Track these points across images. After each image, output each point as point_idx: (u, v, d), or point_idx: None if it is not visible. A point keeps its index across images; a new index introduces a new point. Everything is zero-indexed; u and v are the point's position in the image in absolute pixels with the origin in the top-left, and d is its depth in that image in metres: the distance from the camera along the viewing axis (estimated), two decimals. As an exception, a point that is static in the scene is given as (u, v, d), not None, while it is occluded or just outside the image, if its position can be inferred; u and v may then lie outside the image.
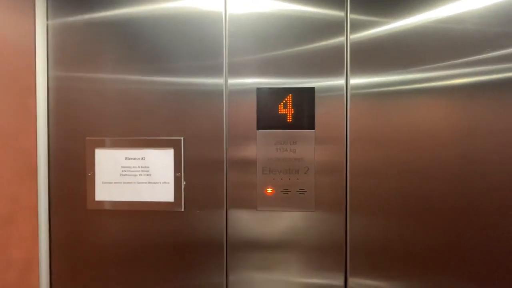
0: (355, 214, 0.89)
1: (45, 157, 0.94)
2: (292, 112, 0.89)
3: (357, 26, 0.87)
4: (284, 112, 0.89)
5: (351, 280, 0.89)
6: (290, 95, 0.88)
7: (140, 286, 0.94)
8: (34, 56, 0.93)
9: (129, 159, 0.92)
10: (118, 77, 0.92)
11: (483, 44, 0.84)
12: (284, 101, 0.89)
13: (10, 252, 0.86)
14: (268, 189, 0.90)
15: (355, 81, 0.87)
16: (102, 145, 0.93)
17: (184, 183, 0.91)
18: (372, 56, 0.87)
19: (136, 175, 0.92)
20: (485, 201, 0.85)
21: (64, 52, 0.94)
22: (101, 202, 0.93)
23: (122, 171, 0.93)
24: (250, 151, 0.90)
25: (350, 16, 0.87)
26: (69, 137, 0.94)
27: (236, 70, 0.90)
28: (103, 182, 0.93)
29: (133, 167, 0.92)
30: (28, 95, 0.91)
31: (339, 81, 0.88)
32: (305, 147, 0.89)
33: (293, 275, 0.91)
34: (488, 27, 0.84)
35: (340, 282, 0.90)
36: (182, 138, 0.91)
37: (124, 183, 0.93)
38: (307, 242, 0.91)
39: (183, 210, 0.92)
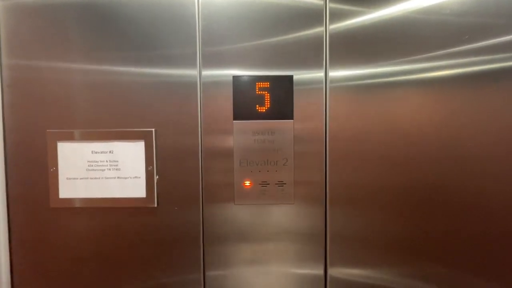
0: (334, 205, 0.88)
1: (1, 152, 0.86)
2: (270, 101, 0.85)
3: (336, 16, 0.84)
4: (261, 101, 0.85)
5: (331, 270, 0.89)
6: (268, 83, 0.85)
7: (112, 286, 0.89)
8: (-16, 42, 0.84)
9: (95, 152, 0.86)
10: (82, 65, 0.85)
11: (463, 34, 0.83)
12: (261, 90, 0.85)
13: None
14: (245, 182, 0.87)
15: (334, 73, 0.85)
16: (65, 138, 0.86)
17: (157, 177, 0.87)
18: (352, 47, 0.84)
19: (104, 170, 0.86)
20: (466, 191, 0.86)
21: (20, 37, 0.85)
22: (66, 200, 0.87)
23: (88, 165, 0.86)
24: (226, 143, 0.87)
25: (329, 5, 0.84)
26: (27, 130, 0.86)
27: (210, 60, 0.85)
28: (67, 178, 0.86)
29: (100, 161, 0.86)
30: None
31: (318, 73, 0.85)
32: (283, 137, 0.86)
33: (272, 267, 0.90)
34: (469, 17, 0.83)
35: (320, 271, 0.89)
36: (153, 129, 0.86)
37: (91, 178, 0.86)
38: (286, 234, 0.89)
39: (156, 206, 0.87)
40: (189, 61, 0.85)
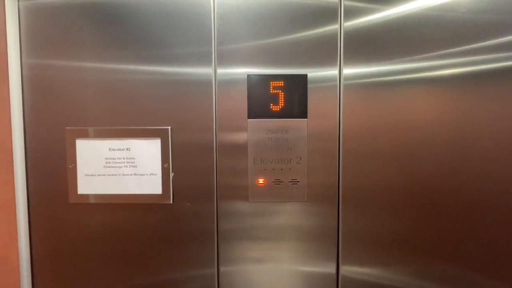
0: (347, 204, 0.88)
1: (21, 149, 0.89)
2: (284, 100, 0.86)
3: (351, 13, 0.84)
4: (276, 100, 0.86)
5: (343, 268, 0.90)
6: (282, 82, 0.85)
7: (128, 281, 0.92)
8: (5, 41, 0.85)
9: (113, 150, 0.88)
10: (100, 64, 0.87)
11: (478, 32, 0.83)
12: (276, 89, 0.86)
13: (-13, 250, 0.82)
14: (259, 180, 0.88)
15: (348, 70, 0.85)
16: (83, 135, 0.88)
17: (173, 174, 0.88)
18: (366, 44, 0.84)
19: (121, 167, 0.88)
20: (479, 191, 0.86)
21: (39, 36, 0.87)
22: (84, 196, 0.89)
23: (106, 162, 0.88)
24: (241, 141, 0.88)
25: (345, 2, 0.84)
26: (47, 127, 0.88)
27: (225, 58, 0.86)
28: (85, 175, 0.88)
29: (118, 158, 0.88)
30: (1, 83, 0.85)
31: (332, 71, 0.85)
32: (297, 136, 0.87)
33: (285, 264, 0.91)
34: (483, 14, 0.82)
35: (332, 270, 0.90)
36: (169, 127, 0.87)
37: (108, 175, 0.88)
38: (299, 232, 0.90)
39: (171, 202, 0.89)
40: (204, 60, 0.86)
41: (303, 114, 0.86)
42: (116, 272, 0.92)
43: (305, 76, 0.85)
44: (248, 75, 0.86)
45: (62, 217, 0.90)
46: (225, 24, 0.85)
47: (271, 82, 0.85)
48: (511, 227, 0.86)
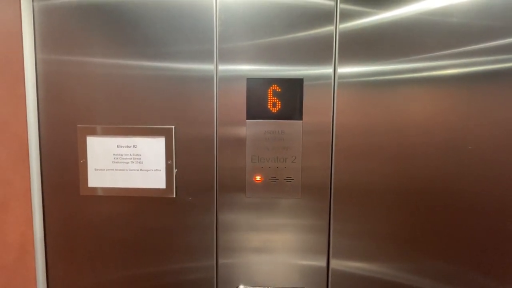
0: (338, 200, 0.93)
1: (36, 144, 0.95)
2: (281, 102, 0.91)
3: (346, 16, 0.88)
4: (273, 102, 0.91)
5: (333, 262, 0.95)
6: (280, 86, 0.90)
7: (132, 268, 0.98)
8: (21, 40, 0.90)
9: (120, 146, 0.94)
10: (108, 61, 0.91)
11: (468, 37, 0.86)
12: (273, 92, 0.90)
13: (6, 237, 0.89)
14: (256, 177, 0.94)
15: (342, 70, 0.89)
16: (93, 132, 0.94)
17: (176, 170, 0.94)
18: (360, 46, 0.88)
19: (128, 163, 0.94)
20: (469, 189, 0.90)
21: (52, 35, 0.91)
22: (94, 189, 0.95)
23: (114, 158, 0.94)
24: (239, 140, 0.93)
25: (340, 6, 0.88)
26: (59, 124, 0.94)
27: (226, 56, 0.90)
28: (95, 169, 0.95)
29: (125, 154, 0.94)
30: (17, 81, 0.90)
31: (327, 70, 0.89)
32: (293, 137, 0.92)
33: (279, 257, 0.97)
34: (472, 20, 0.86)
35: (323, 263, 0.96)
36: (173, 127, 0.92)
37: (116, 170, 0.94)
38: (292, 226, 0.95)
39: (174, 196, 0.95)
40: (206, 57, 0.90)
41: (298, 116, 0.91)
42: (121, 259, 0.98)
43: (301, 80, 0.90)
44: (247, 79, 0.90)
45: (73, 208, 0.97)
46: (226, 30, 0.89)
47: (269, 86, 0.90)
48: (501, 222, 0.90)
